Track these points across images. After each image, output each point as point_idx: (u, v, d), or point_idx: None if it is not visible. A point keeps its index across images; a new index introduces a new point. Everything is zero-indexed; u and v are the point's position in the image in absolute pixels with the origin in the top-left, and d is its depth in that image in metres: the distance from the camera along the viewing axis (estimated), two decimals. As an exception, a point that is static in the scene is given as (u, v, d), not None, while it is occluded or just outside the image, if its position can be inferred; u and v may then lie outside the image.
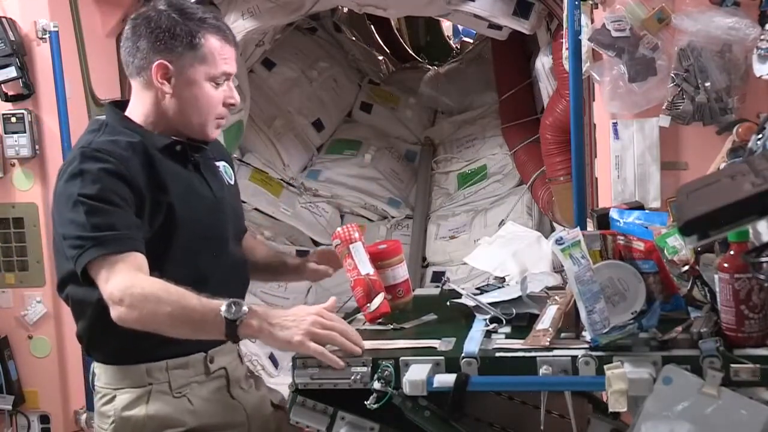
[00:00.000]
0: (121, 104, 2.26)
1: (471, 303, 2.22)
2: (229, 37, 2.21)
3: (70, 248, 2.03)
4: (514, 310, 2.14)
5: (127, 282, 1.97)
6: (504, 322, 2.11)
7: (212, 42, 2.16)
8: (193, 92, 2.16)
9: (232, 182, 2.37)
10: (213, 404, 2.17)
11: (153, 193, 2.09)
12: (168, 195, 2.10)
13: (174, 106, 2.17)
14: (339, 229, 2.31)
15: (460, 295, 2.30)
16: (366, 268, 2.24)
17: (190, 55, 2.14)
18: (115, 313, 1.98)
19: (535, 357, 1.90)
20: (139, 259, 2.01)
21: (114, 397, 2.14)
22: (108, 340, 2.12)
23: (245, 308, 1.94)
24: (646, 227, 2.15)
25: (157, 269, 2.06)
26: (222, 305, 1.94)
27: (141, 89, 2.19)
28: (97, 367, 2.20)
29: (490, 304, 2.18)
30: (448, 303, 2.32)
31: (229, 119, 2.26)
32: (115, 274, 1.98)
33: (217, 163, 2.34)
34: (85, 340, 2.20)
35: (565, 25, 2.98)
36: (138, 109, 2.20)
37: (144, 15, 2.18)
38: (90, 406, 3.61)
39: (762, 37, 2.66)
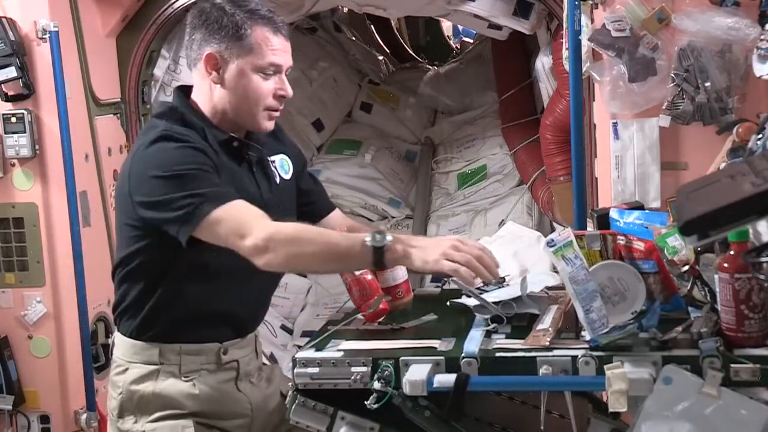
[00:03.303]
0: (186, 90, 2.27)
1: (471, 303, 2.22)
2: (281, 30, 2.20)
3: (171, 210, 2.04)
4: (514, 308, 2.14)
5: (269, 230, 2.00)
6: (505, 320, 2.11)
7: (259, 33, 2.17)
8: (241, 83, 2.18)
9: (288, 176, 2.35)
10: (217, 393, 2.20)
11: None
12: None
13: (224, 97, 2.20)
14: None
15: (460, 295, 2.30)
16: None
17: (237, 46, 2.16)
18: (262, 261, 2.00)
19: (535, 357, 1.90)
20: (245, 204, 2.05)
21: (126, 369, 2.20)
22: (137, 313, 2.17)
23: (389, 236, 1.98)
24: (646, 227, 2.15)
25: (194, 254, 2.09)
26: (366, 236, 1.99)
27: (198, 80, 2.23)
28: (117, 337, 2.25)
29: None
30: (448, 303, 2.32)
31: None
32: (246, 226, 2.01)
33: (274, 158, 2.33)
34: (118, 308, 2.23)
35: (565, 25, 2.97)
36: (199, 99, 2.24)
37: (199, 7, 2.22)
38: (90, 407, 3.61)
39: (762, 37, 2.66)
